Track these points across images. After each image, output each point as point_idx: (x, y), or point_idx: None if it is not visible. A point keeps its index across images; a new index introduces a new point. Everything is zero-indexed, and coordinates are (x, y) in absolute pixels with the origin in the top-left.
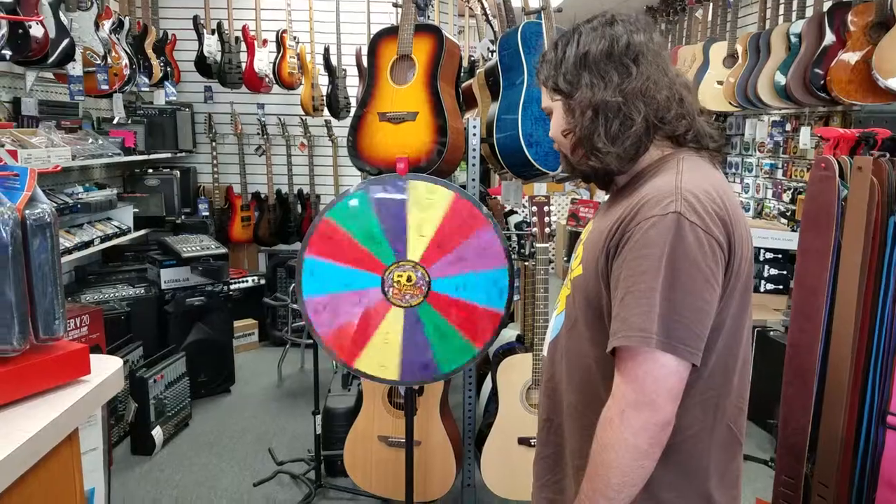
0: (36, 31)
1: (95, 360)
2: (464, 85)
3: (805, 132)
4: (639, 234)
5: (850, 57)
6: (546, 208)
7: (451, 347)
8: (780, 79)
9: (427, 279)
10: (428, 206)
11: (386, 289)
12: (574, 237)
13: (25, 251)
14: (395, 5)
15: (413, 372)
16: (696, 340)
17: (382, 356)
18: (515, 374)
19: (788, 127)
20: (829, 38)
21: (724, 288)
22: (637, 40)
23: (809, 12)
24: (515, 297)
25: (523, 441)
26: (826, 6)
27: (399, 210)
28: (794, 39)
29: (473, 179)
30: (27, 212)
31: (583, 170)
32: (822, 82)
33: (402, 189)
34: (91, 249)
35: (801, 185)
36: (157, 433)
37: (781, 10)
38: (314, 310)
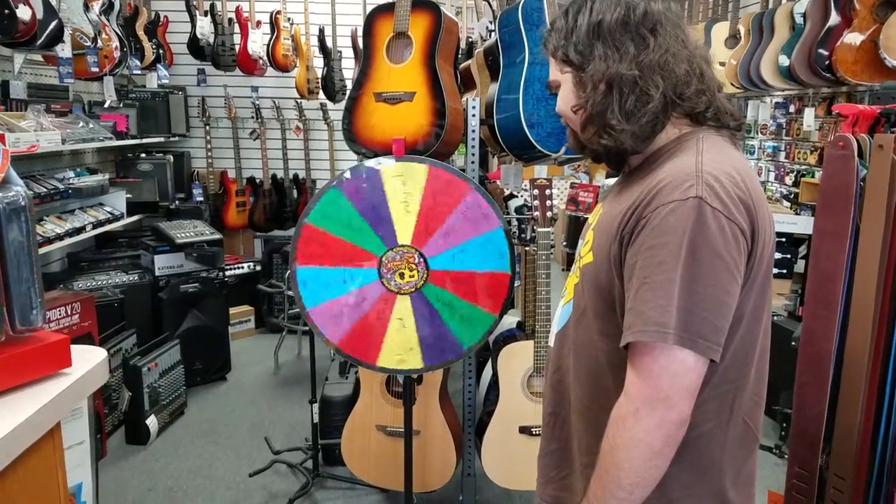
0: (23, 12)
1: (77, 350)
2: (461, 66)
3: (809, 113)
4: (656, 220)
5: (856, 37)
6: (548, 191)
7: (467, 320)
8: (784, 59)
9: (423, 259)
10: (407, 179)
11: (385, 279)
12: (573, 222)
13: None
14: None
15: (436, 355)
16: (717, 335)
17: (401, 348)
18: (516, 361)
19: (791, 108)
20: (835, 17)
21: (746, 277)
22: (655, 9)
23: None
24: (516, 283)
25: (524, 430)
26: None
27: (375, 185)
28: (798, 19)
29: (473, 162)
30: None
31: (594, 149)
32: (828, 62)
33: (372, 170)
34: (83, 236)
35: (804, 167)
36: (152, 422)
37: None
38: (321, 321)
